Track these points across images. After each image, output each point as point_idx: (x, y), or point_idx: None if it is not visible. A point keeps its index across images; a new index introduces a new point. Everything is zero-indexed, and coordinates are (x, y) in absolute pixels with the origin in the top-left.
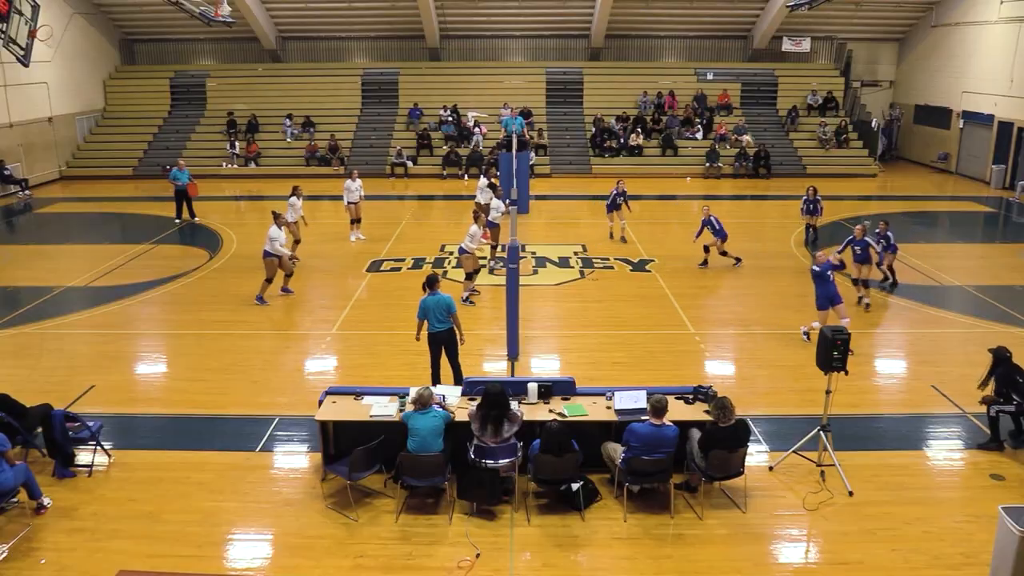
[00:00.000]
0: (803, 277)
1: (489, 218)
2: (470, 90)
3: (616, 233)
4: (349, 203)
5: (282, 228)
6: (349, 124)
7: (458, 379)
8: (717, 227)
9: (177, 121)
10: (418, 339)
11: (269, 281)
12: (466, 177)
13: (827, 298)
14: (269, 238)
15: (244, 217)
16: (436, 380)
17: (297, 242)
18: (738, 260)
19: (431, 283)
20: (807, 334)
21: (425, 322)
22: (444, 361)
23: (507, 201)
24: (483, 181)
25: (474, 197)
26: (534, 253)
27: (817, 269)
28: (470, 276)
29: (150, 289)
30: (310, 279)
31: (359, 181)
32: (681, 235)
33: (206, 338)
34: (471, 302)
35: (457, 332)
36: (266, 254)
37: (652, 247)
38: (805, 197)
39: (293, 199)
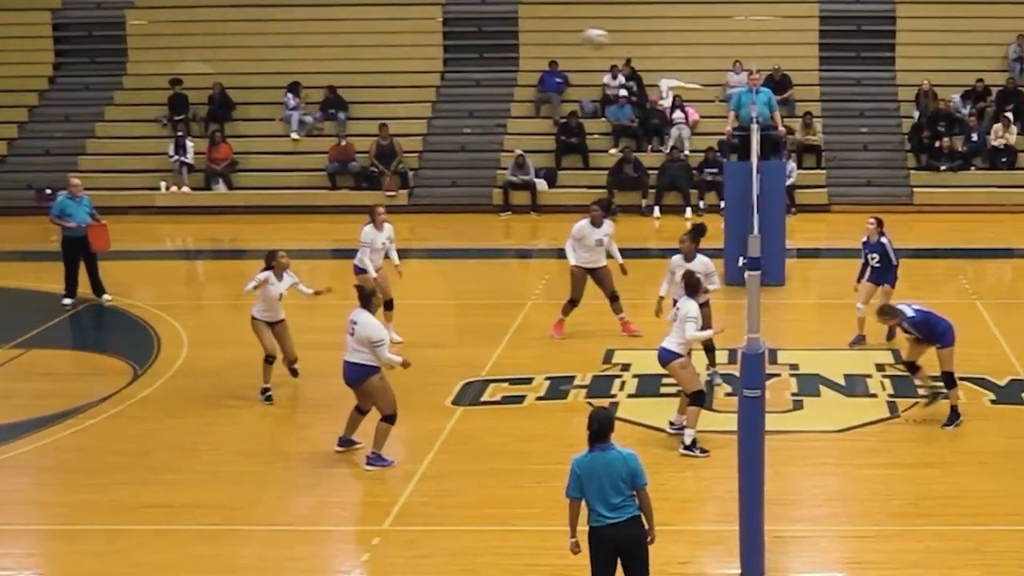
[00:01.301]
0: None
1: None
2: (662, 38)
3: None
4: (362, 269)
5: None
6: (418, 105)
7: None
8: (887, 256)
9: (68, 96)
10: (575, 549)
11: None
12: (656, 211)
13: None
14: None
15: (203, 292)
16: None
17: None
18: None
19: (599, 430)
20: None
21: (582, 505)
22: None
23: (740, 258)
24: (592, 231)
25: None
26: (795, 367)
27: None
28: (696, 399)
29: (10, 440)
30: (335, 418)
31: (389, 228)
32: None
33: (126, 537)
34: (701, 450)
35: (646, 523)
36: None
37: None
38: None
39: (264, 276)
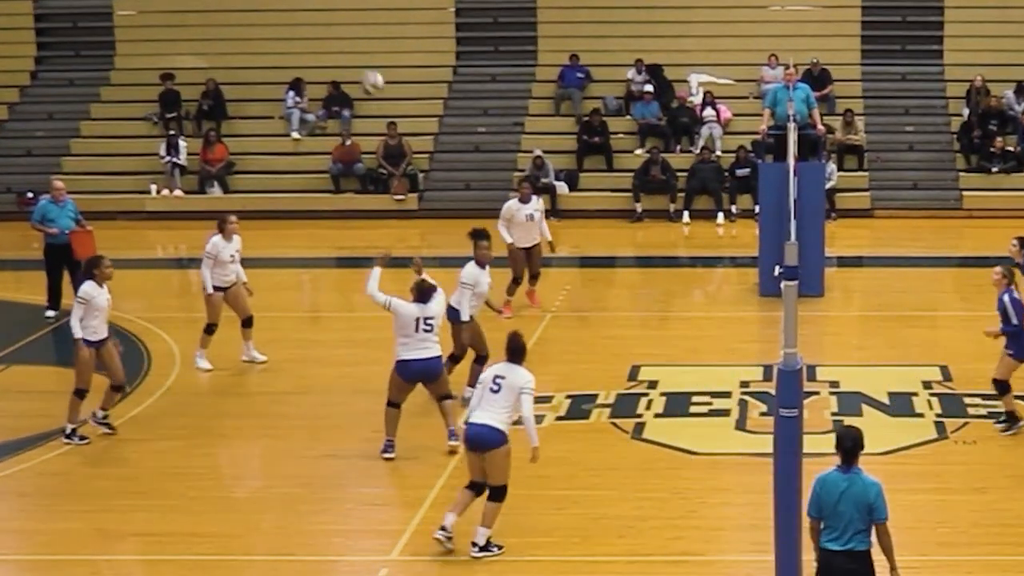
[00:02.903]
0: None
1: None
2: (691, 30)
3: None
4: (214, 287)
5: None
6: (428, 101)
7: None
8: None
9: (52, 92)
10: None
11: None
12: (686, 216)
13: None
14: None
15: (197, 305)
16: None
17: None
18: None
19: (852, 448)
20: None
21: (817, 528)
22: None
23: (777, 268)
24: (521, 207)
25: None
26: (836, 384)
27: None
28: (501, 494)
29: None
30: (338, 439)
31: (238, 240)
32: None
33: (113, 568)
34: (497, 546)
35: (888, 562)
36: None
37: None
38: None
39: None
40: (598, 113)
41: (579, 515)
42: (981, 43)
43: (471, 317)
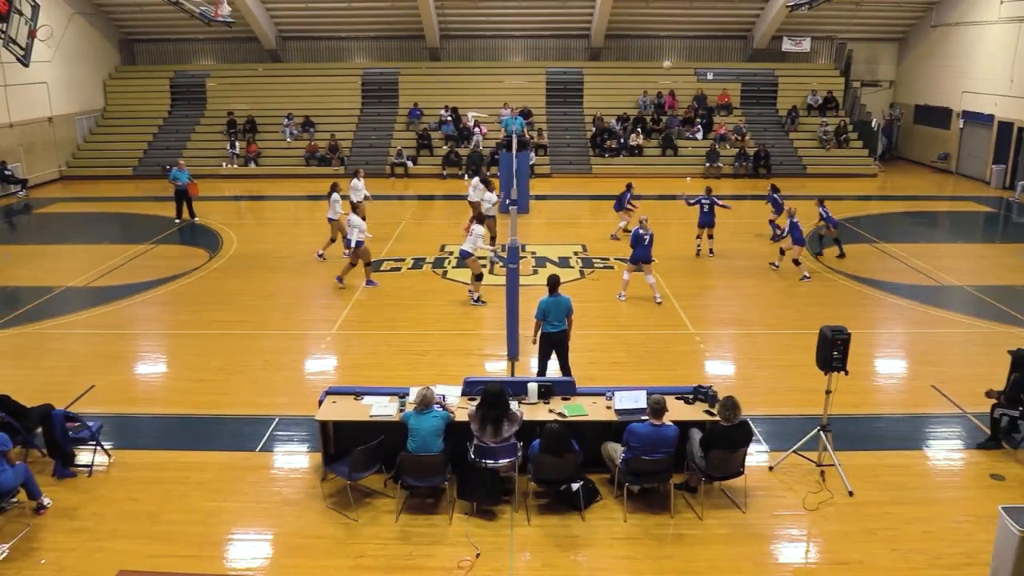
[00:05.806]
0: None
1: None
2: (470, 90)
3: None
4: (356, 203)
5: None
6: (349, 124)
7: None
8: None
9: (177, 121)
10: (535, 341)
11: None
12: (466, 177)
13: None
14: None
15: (244, 216)
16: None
17: (333, 240)
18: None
19: (553, 285)
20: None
21: (540, 323)
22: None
23: (507, 200)
24: (476, 180)
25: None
26: (534, 253)
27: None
28: (479, 277)
29: (150, 289)
30: (309, 279)
31: (363, 180)
32: (681, 235)
33: (205, 338)
34: (482, 302)
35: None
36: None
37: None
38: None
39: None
40: (427, 130)
41: (407, 319)
42: (601, 99)
43: None
